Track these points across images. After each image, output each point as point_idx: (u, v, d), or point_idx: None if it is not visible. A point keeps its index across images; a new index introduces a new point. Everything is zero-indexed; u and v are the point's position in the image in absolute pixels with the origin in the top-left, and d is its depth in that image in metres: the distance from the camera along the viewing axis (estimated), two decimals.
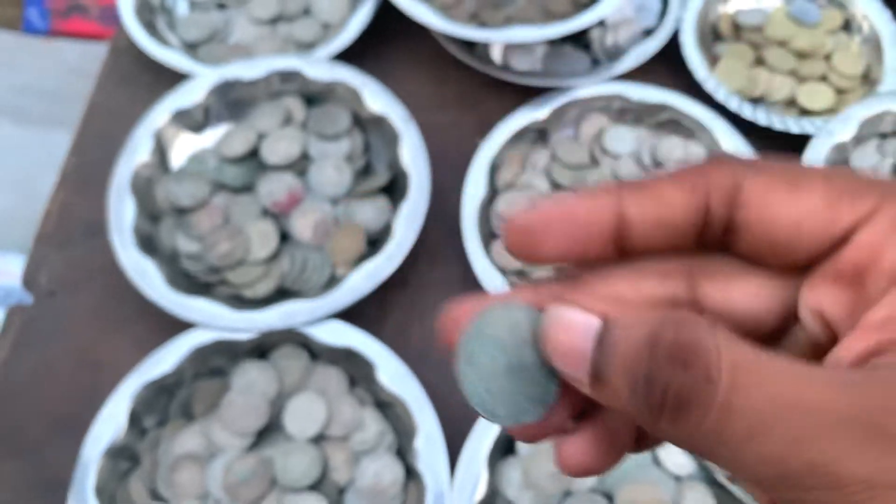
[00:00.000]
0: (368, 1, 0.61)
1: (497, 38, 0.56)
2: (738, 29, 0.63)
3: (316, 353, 0.50)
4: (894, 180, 0.18)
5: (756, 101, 0.60)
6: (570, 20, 0.56)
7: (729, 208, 0.18)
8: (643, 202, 0.18)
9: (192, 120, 0.56)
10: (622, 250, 0.19)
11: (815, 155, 0.53)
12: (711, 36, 0.63)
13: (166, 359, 0.47)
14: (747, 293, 0.19)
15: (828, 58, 0.61)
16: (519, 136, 0.57)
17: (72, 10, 1.61)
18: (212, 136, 0.57)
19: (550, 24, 0.56)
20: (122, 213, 0.52)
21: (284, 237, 0.53)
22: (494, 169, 0.56)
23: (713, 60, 0.62)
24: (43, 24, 1.61)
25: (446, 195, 0.57)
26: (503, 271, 0.51)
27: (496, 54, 0.62)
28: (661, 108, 0.57)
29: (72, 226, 0.57)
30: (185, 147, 0.57)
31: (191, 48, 0.63)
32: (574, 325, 0.17)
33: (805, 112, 0.60)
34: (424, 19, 0.56)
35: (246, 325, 0.48)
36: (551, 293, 0.19)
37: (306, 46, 0.63)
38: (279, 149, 0.55)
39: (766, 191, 0.18)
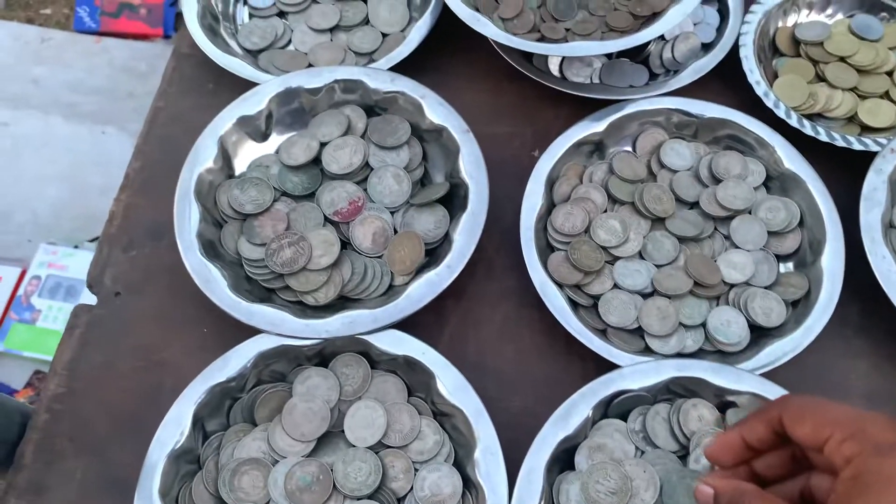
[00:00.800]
0: (427, 13, 0.62)
1: (558, 52, 0.56)
2: (797, 44, 0.63)
3: (375, 361, 0.50)
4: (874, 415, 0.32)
5: (815, 117, 0.60)
6: (631, 35, 0.56)
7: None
8: (750, 432, 0.35)
9: (255, 127, 0.57)
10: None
11: (876, 173, 0.53)
12: (770, 51, 0.63)
13: (230, 364, 0.49)
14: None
15: (890, 74, 0.61)
16: (576, 149, 0.57)
17: (122, 10, 1.64)
18: (274, 144, 0.58)
19: (610, 38, 0.56)
20: (186, 217, 0.53)
21: (344, 245, 0.54)
22: (552, 182, 0.56)
23: (772, 76, 0.62)
24: (94, 23, 1.64)
25: (503, 206, 0.57)
26: (560, 284, 0.52)
27: (554, 66, 0.62)
28: (720, 123, 0.57)
29: (136, 228, 0.58)
30: (248, 154, 0.58)
31: (251, 54, 0.64)
32: (704, 491, 0.36)
33: (866, 129, 0.59)
34: (487, 32, 0.56)
35: (309, 332, 0.49)
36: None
37: (364, 55, 0.63)
38: (340, 158, 0.56)
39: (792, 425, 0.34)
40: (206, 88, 0.63)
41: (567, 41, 0.58)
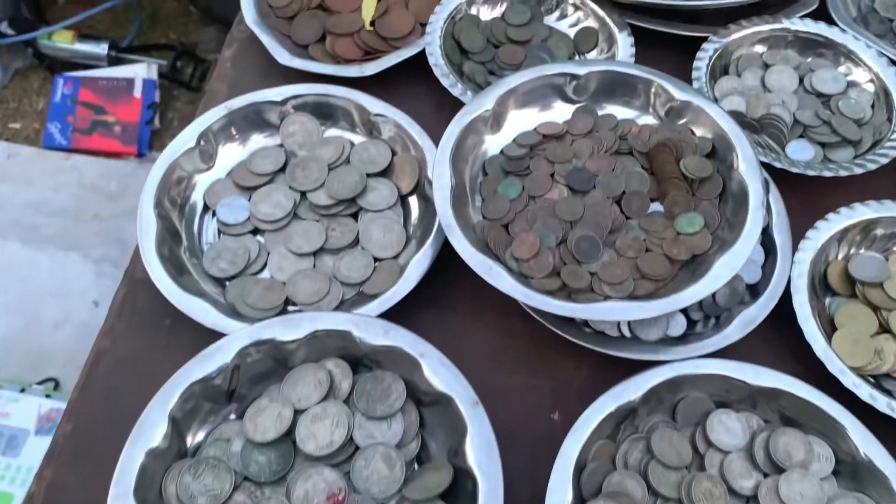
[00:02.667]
0: (427, 244, 0.54)
1: (588, 315, 0.48)
2: (851, 281, 0.55)
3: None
4: None
5: (884, 378, 0.51)
6: (670, 297, 0.48)
7: None
8: None
9: (216, 390, 0.48)
10: None
11: None
12: (822, 288, 0.55)
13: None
14: None
15: None
16: (606, 417, 0.48)
17: (95, 127, 1.57)
18: (240, 408, 0.48)
19: (643, 287, 0.48)
20: None
21: None
22: (580, 467, 0.46)
23: (828, 323, 0.53)
24: (64, 139, 1.57)
25: (517, 489, 0.47)
26: None
27: None
28: (775, 394, 0.48)
29: None
30: (206, 422, 0.48)
31: (218, 282, 0.54)
32: None
33: None
34: (502, 286, 0.48)
35: None
36: None
37: (352, 286, 0.54)
38: (319, 433, 0.46)
39: None
40: (162, 325, 0.53)
41: (593, 290, 0.50)
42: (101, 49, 1.64)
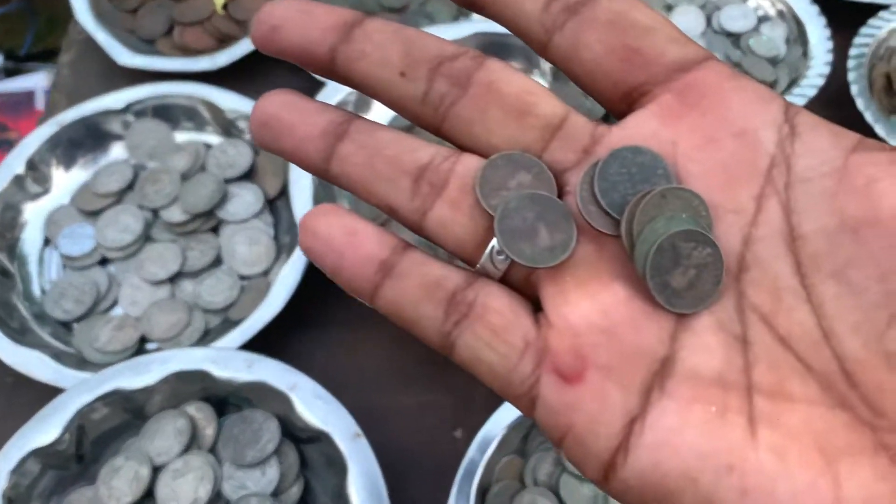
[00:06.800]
0: (298, 251, 0.49)
1: None
2: None
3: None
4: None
5: None
6: None
7: None
8: None
9: (60, 455, 0.43)
10: None
11: None
12: None
13: None
14: None
15: None
16: (511, 430, 0.44)
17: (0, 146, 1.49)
18: (93, 471, 0.43)
19: None
20: None
21: None
22: (483, 490, 0.42)
23: None
24: None
25: None
26: None
27: None
28: None
29: None
30: (55, 493, 0.43)
31: (64, 327, 0.49)
32: None
33: None
34: None
35: None
36: None
37: (217, 313, 0.49)
38: (181, 490, 0.42)
39: None
40: (4, 384, 0.48)
41: None
42: None
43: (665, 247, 0.17)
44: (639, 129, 0.19)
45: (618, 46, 0.19)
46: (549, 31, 0.19)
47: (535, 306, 0.19)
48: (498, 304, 0.19)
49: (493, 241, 0.19)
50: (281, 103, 0.20)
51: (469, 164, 0.20)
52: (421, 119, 0.20)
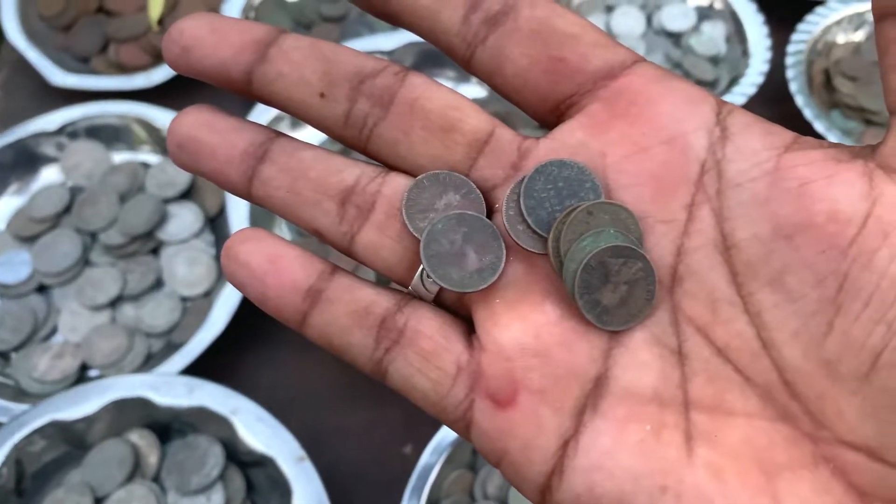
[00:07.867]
0: None
1: None
2: None
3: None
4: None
5: None
6: None
7: None
8: None
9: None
10: None
11: None
12: None
13: None
14: None
15: None
16: (461, 443, 0.44)
17: None
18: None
19: None
20: None
21: None
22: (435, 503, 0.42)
23: None
24: None
25: None
26: None
27: None
28: None
29: None
30: None
31: (2, 357, 0.48)
32: None
33: None
34: None
35: None
36: None
37: (160, 336, 0.49)
38: None
39: None
40: None
41: None
42: None
43: (593, 265, 0.17)
44: (566, 141, 0.19)
45: (542, 58, 0.18)
46: (471, 45, 0.19)
47: (471, 326, 0.19)
48: (429, 329, 0.18)
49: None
50: (196, 123, 0.20)
51: (396, 184, 0.19)
52: (345, 140, 0.20)
